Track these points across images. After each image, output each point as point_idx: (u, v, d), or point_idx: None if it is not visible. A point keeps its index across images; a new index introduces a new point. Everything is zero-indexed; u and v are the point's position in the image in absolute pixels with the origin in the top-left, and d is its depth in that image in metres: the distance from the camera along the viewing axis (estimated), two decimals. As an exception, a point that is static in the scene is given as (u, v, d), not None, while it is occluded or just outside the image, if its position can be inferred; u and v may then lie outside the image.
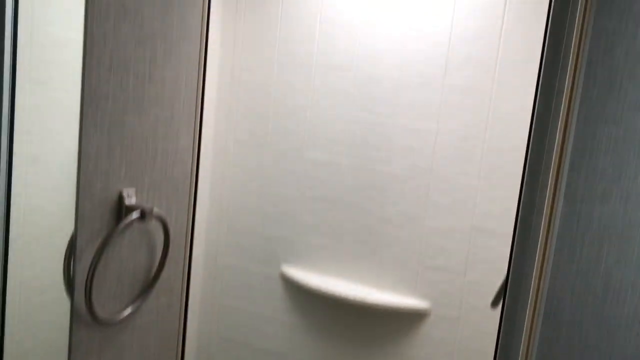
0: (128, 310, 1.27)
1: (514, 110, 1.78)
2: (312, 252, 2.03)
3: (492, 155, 1.81)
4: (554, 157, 1.06)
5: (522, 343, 1.06)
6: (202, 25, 1.36)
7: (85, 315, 1.16)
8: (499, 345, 1.08)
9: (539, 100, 1.05)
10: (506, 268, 1.06)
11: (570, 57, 1.06)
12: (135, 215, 1.19)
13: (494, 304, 1.54)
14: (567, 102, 1.06)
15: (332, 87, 1.99)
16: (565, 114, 1.07)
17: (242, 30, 2.06)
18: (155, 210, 1.24)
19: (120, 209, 1.19)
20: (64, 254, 1.11)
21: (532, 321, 1.04)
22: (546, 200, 1.04)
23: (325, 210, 1.99)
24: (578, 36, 1.05)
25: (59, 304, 1.13)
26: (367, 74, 1.95)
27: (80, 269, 1.13)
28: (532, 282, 1.04)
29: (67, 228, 1.12)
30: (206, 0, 1.35)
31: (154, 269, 1.34)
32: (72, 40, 1.06)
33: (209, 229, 2.13)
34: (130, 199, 1.21)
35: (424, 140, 1.90)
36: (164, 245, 1.33)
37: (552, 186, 1.07)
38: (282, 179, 2.05)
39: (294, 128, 2.04)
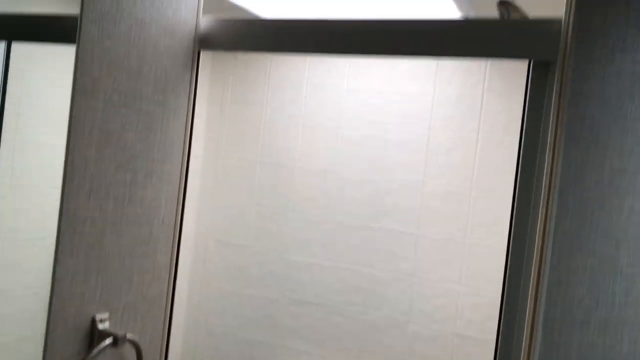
0: None
1: (494, 217, 1.80)
2: (293, 357, 1.98)
3: (473, 260, 1.81)
4: (530, 289, 1.06)
5: None
6: (184, 144, 1.39)
7: None
8: None
9: (513, 233, 1.07)
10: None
11: (543, 189, 1.09)
12: (107, 341, 1.16)
13: None
14: (541, 232, 1.08)
15: (314, 189, 2.02)
16: (540, 244, 1.08)
17: (225, 138, 2.10)
18: (129, 335, 1.21)
19: (93, 335, 1.16)
20: (30, 385, 1.07)
21: None
22: (525, 332, 1.04)
23: (307, 314, 1.96)
24: (549, 167, 1.08)
25: None
26: (348, 177, 1.99)
27: (47, 402, 1.08)
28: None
29: (36, 356, 1.08)
30: (189, 121, 1.38)
31: (126, 393, 1.29)
32: (57, 146, 1.07)
33: (187, 334, 2.08)
34: (104, 324, 1.18)
35: (405, 244, 1.91)
36: (137, 368, 1.29)
37: (530, 317, 1.07)
38: (262, 281, 2.03)
39: (276, 229, 2.04)
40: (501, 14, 1.57)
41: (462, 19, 1.18)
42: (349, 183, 1.98)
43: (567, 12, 1.08)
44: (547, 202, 1.07)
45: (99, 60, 1.11)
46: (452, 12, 1.74)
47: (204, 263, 2.10)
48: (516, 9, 1.54)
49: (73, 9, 1.06)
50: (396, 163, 1.94)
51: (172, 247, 1.40)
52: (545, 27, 1.13)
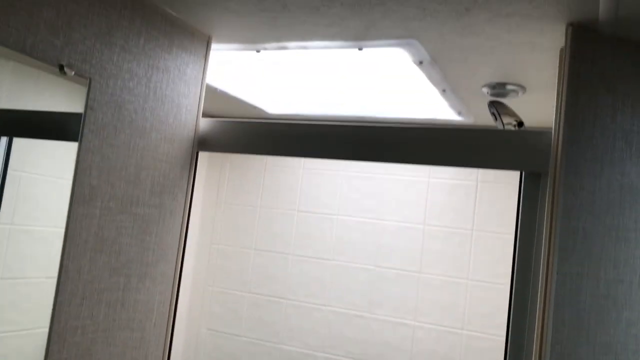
0: None
1: (492, 308, 1.78)
2: None
3: (471, 354, 1.78)
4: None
5: None
6: (179, 243, 1.38)
7: None
8: None
9: (510, 350, 1.06)
10: None
11: (538, 303, 1.09)
12: None
13: None
14: (538, 347, 1.06)
15: (308, 276, 2.00)
16: (537, 358, 1.07)
17: (220, 224, 2.10)
18: None
19: None
20: None
21: None
22: None
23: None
24: (544, 280, 1.08)
25: None
26: (343, 265, 1.98)
27: None
28: None
29: None
30: (185, 220, 1.39)
31: None
32: (53, 233, 1.07)
33: None
34: None
35: (401, 335, 1.88)
36: None
37: None
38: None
39: (269, 318, 2.01)
40: (492, 113, 1.62)
41: (453, 127, 1.21)
42: (343, 271, 1.97)
43: (557, 124, 1.12)
44: (543, 316, 1.07)
45: (98, 168, 1.12)
46: (446, 112, 1.79)
47: (196, 353, 2.05)
48: (506, 108, 1.59)
49: (75, 106, 1.08)
50: (391, 250, 1.94)
51: (164, 349, 1.37)
52: (535, 139, 1.16)
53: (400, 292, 1.90)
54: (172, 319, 1.39)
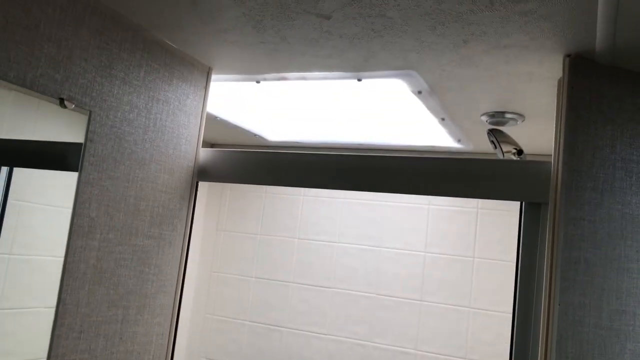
0: None
1: (495, 335, 1.76)
2: None
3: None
4: None
5: None
6: (179, 273, 1.38)
7: None
8: None
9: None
10: None
11: (540, 334, 1.07)
12: None
13: None
14: (542, 380, 1.05)
15: (308, 304, 1.98)
16: (541, 392, 1.05)
17: (220, 252, 2.09)
18: None
19: None
20: None
21: None
22: None
23: None
24: (547, 312, 1.07)
25: None
26: (343, 292, 1.96)
27: None
28: None
29: None
30: (184, 250, 1.38)
31: None
32: (52, 263, 1.06)
33: None
34: None
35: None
36: None
37: None
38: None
39: (268, 348, 1.99)
40: (491, 141, 1.62)
41: (452, 158, 1.21)
42: (344, 298, 1.96)
43: (556, 155, 1.12)
44: (546, 348, 1.05)
45: (97, 200, 1.12)
46: (445, 139, 1.80)
47: (195, 384, 2.02)
48: (506, 136, 1.59)
49: (76, 135, 1.09)
50: (392, 278, 1.93)
51: (162, 381, 1.35)
52: (535, 169, 1.16)
53: (402, 320, 1.88)
54: (171, 351, 1.37)
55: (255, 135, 2.01)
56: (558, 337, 1.06)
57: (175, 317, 1.37)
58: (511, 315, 1.14)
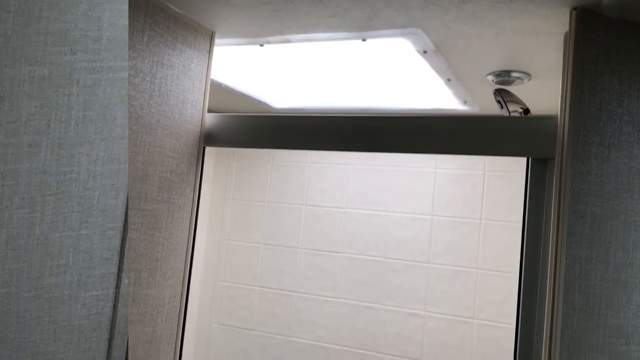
0: None
1: (504, 295, 1.78)
2: None
3: (482, 343, 1.78)
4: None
5: None
6: (189, 238, 1.39)
7: None
8: None
9: (520, 334, 1.06)
10: None
11: (547, 288, 1.09)
12: None
13: None
14: (548, 331, 1.06)
15: (318, 270, 2.01)
16: (548, 343, 1.07)
17: (229, 220, 2.11)
18: None
19: None
20: None
21: None
22: None
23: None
24: (553, 265, 1.08)
25: None
26: (352, 257, 1.98)
27: None
28: None
29: None
30: (194, 215, 1.40)
31: None
32: None
33: None
34: None
35: (412, 327, 1.88)
36: None
37: None
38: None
39: (280, 312, 2.02)
40: (497, 101, 1.61)
41: (458, 116, 1.21)
42: (353, 263, 1.98)
43: (562, 109, 1.11)
44: (553, 301, 1.06)
45: (106, 165, 1.13)
46: (451, 101, 1.79)
47: (207, 348, 2.06)
48: (512, 96, 1.58)
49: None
50: (400, 242, 1.94)
51: (176, 343, 1.38)
52: (541, 125, 1.16)
53: (410, 282, 1.90)
54: (183, 313, 1.40)
55: (260, 102, 2.01)
56: (565, 291, 1.07)
57: (187, 281, 1.39)
58: (519, 275, 1.16)
